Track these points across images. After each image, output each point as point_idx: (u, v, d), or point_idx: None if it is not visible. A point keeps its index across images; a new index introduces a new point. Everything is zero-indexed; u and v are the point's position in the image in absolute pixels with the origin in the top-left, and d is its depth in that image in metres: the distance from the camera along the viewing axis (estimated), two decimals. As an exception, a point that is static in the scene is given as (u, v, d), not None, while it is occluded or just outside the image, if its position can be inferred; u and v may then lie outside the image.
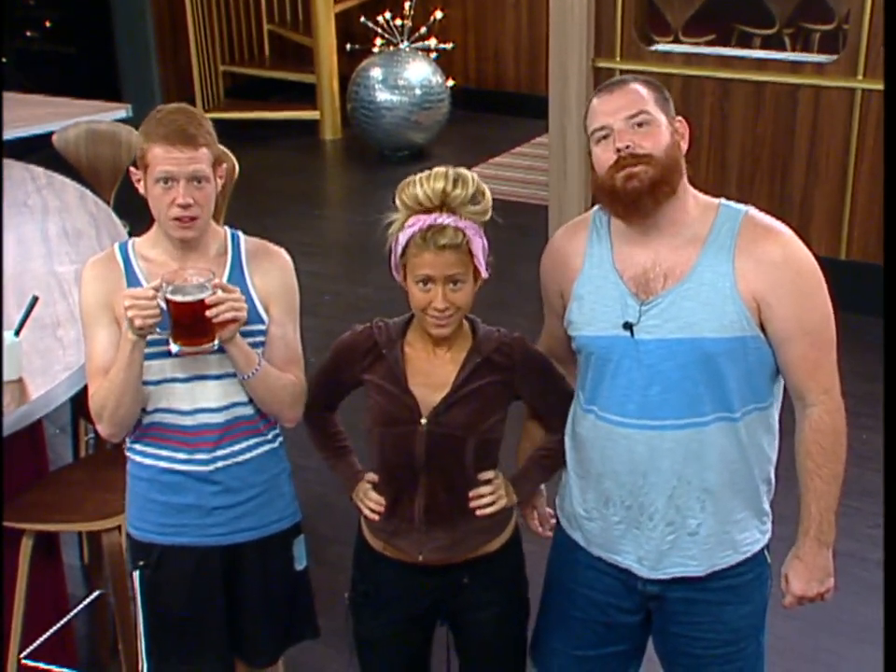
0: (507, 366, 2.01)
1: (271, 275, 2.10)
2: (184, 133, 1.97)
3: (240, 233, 2.14)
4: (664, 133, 1.88)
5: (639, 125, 1.87)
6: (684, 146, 1.93)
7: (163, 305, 1.94)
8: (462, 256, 1.91)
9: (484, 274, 1.97)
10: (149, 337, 1.97)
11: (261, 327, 2.07)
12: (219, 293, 1.94)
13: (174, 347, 1.98)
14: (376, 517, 2.06)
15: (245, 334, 2.01)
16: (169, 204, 1.98)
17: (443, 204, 1.91)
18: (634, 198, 1.87)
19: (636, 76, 1.97)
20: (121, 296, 1.96)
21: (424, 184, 1.91)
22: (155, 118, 2.01)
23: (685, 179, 1.94)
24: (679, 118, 1.94)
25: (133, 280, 2.05)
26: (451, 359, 2.01)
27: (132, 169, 2.05)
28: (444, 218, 1.90)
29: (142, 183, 2.04)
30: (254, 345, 2.04)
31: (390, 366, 2.00)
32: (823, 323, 1.92)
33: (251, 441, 2.12)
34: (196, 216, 2.00)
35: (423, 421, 1.98)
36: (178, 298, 1.92)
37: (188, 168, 1.97)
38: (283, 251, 2.15)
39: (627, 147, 1.85)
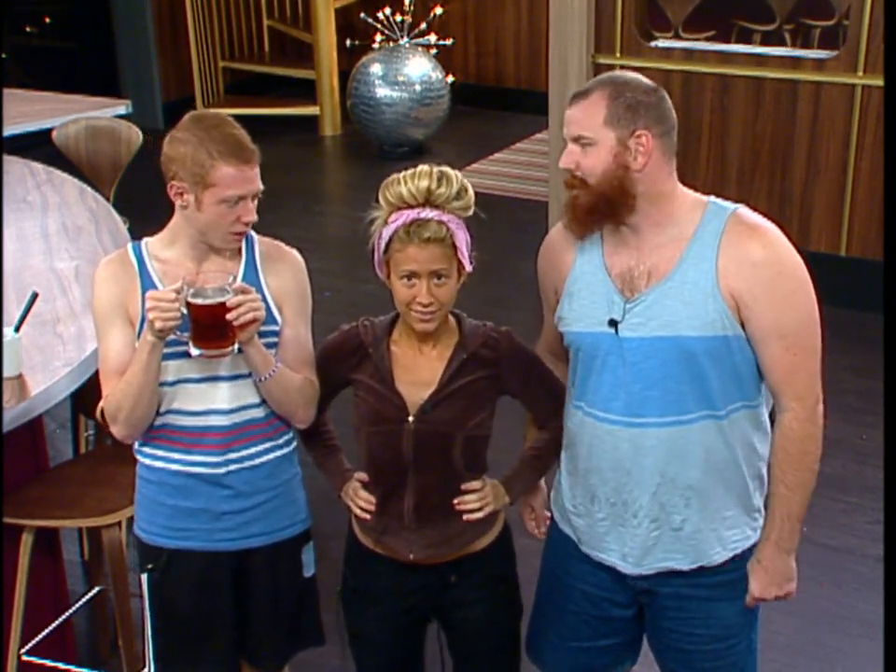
0: (493, 360, 2.01)
1: (284, 276, 2.09)
2: (246, 149, 1.96)
3: (253, 233, 2.12)
4: (601, 157, 1.85)
5: (583, 146, 1.86)
6: (641, 161, 1.84)
7: (183, 308, 1.92)
8: (446, 250, 1.91)
9: (468, 268, 1.97)
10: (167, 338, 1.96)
11: (275, 328, 2.06)
12: (238, 296, 1.93)
13: (194, 351, 1.96)
14: (367, 516, 2.06)
15: (258, 335, 1.99)
16: (233, 221, 1.98)
17: (427, 202, 1.92)
18: (569, 219, 1.91)
19: (606, 81, 1.88)
20: (146, 297, 1.94)
21: (408, 182, 1.92)
22: (204, 130, 1.95)
23: (673, 184, 1.91)
24: (642, 131, 1.84)
25: (146, 281, 2.03)
26: (437, 356, 2.01)
27: (174, 183, 1.96)
28: (428, 212, 1.91)
29: (187, 197, 1.96)
30: (267, 346, 2.03)
31: (377, 365, 2.01)
32: (802, 327, 1.88)
33: (264, 446, 2.11)
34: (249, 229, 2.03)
35: (410, 419, 1.98)
36: (199, 301, 1.91)
37: (255, 187, 1.98)
38: (295, 252, 2.14)
39: (567, 168, 1.87)
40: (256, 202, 2.01)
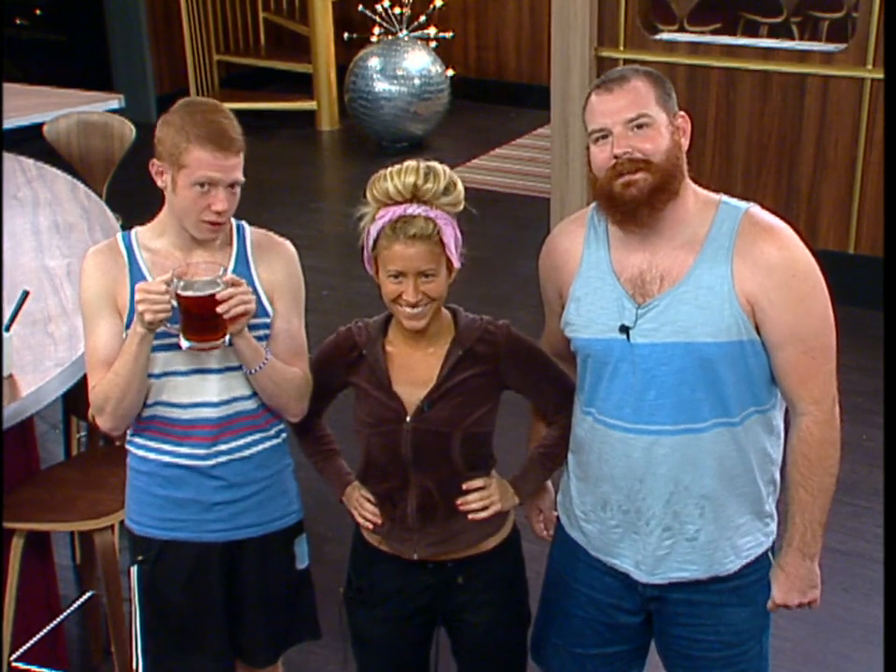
0: (491, 355, 1.98)
1: (276, 268, 2.08)
2: (226, 136, 1.95)
3: (245, 224, 2.11)
4: (663, 135, 1.84)
5: (639, 127, 1.83)
6: (685, 143, 1.88)
7: (173, 300, 1.91)
8: (433, 247, 1.89)
9: (457, 265, 1.94)
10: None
11: (266, 320, 2.05)
12: (229, 288, 1.92)
13: (184, 343, 1.96)
14: (370, 526, 2.06)
15: (249, 328, 1.99)
16: (204, 208, 1.96)
17: (414, 198, 1.90)
18: (633, 206, 1.84)
19: (636, 68, 1.90)
20: (136, 289, 1.93)
21: (394, 178, 1.90)
22: (189, 114, 1.95)
23: (686, 177, 1.89)
24: (682, 113, 1.89)
25: (136, 271, 2.02)
26: (433, 354, 1.99)
27: (155, 161, 1.99)
28: (414, 208, 1.89)
29: (165, 177, 1.98)
30: (258, 339, 2.02)
31: (372, 367, 1.99)
32: (818, 330, 1.87)
33: (253, 437, 2.10)
34: (226, 220, 2.00)
35: (407, 419, 1.96)
36: (189, 293, 1.90)
37: (230, 175, 1.96)
38: (287, 243, 2.13)
39: (626, 152, 1.82)
40: (235, 193, 1.98)
